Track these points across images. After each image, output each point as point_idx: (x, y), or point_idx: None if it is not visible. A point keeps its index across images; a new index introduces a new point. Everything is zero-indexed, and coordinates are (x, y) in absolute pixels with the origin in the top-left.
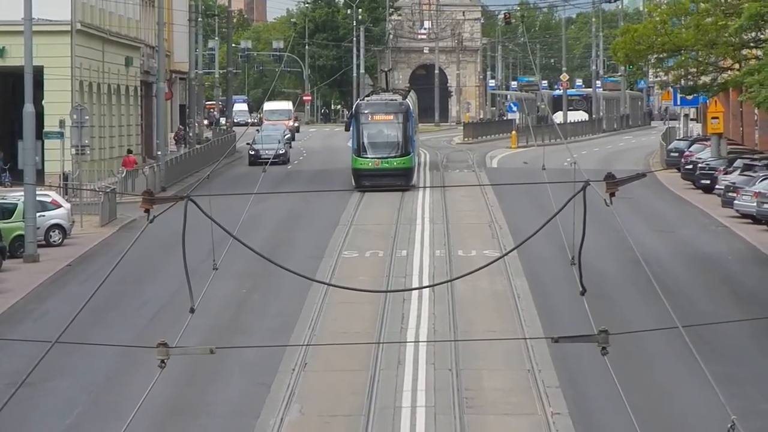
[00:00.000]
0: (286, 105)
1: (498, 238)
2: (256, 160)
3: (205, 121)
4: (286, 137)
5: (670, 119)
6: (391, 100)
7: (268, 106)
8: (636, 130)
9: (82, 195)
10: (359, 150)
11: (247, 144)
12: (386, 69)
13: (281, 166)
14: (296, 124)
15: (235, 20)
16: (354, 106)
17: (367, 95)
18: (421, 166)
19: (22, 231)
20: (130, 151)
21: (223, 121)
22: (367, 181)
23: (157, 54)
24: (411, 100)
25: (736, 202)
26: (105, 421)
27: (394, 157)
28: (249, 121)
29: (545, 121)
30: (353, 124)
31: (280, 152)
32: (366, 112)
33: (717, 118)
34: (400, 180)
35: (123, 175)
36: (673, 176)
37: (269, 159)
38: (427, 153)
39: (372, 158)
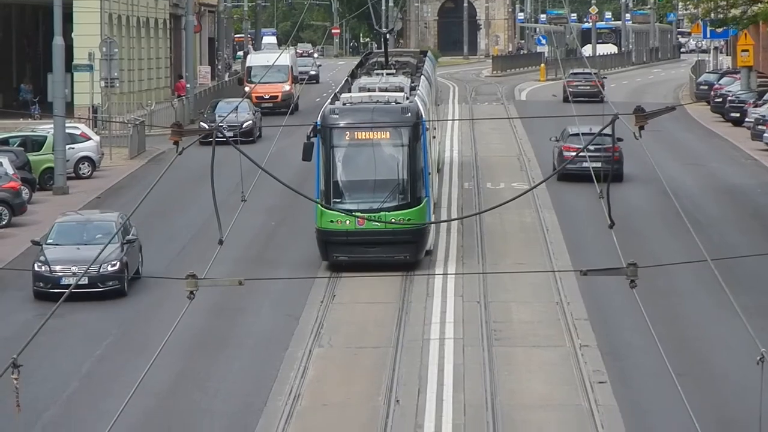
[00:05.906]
0: (284, 59)
1: (527, 170)
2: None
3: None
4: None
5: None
6: (387, 102)
7: (254, 59)
8: (665, 63)
9: (111, 127)
10: (328, 195)
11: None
12: (387, 29)
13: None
14: (291, 88)
15: None
16: (320, 115)
17: (349, 77)
18: (450, 100)
19: (52, 163)
20: (180, 76)
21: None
22: (341, 252)
23: None
24: (422, 89)
25: (765, 134)
26: (134, 353)
27: (392, 208)
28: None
29: (574, 54)
30: (317, 146)
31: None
32: (341, 125)
33: (747, 50)
34: (402, 250)
35: (153, 107)
36: (702, 109)
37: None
38: (455, 86)
39: (351, 210)
